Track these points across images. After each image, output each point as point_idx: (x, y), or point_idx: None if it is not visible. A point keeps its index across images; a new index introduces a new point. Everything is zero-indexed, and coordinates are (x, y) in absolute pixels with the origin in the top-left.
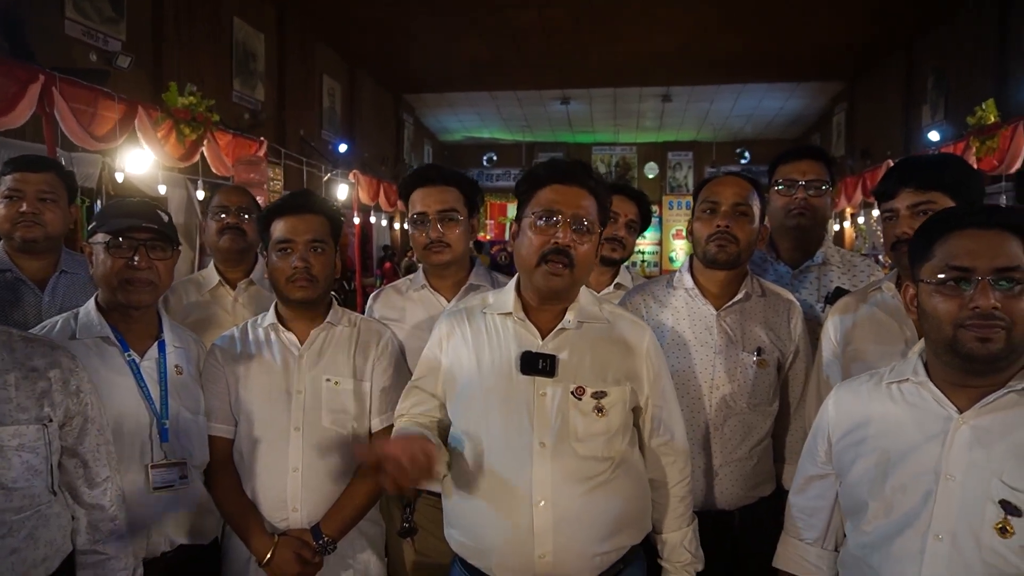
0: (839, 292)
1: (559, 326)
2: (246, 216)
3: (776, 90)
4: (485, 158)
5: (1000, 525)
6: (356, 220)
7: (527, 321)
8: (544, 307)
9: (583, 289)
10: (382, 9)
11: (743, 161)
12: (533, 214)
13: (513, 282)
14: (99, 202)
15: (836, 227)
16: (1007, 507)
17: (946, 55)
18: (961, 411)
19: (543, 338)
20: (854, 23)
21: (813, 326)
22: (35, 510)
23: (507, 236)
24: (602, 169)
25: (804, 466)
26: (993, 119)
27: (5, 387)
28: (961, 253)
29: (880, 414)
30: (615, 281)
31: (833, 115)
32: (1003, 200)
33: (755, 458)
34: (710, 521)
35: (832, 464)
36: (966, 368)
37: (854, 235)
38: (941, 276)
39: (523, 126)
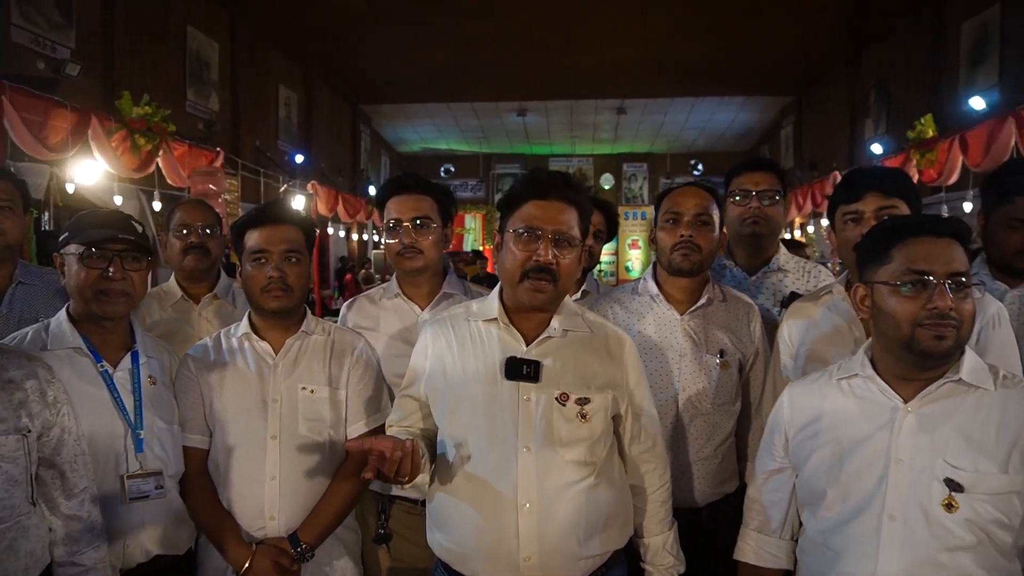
0: (793, 296)
1: (544, 334)
2: (208, 232)
3: (728, 103)
4: (443, 169)
5: (946, 502)
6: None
7: (512, 327)
8: (528, 315)
9: (567, 300)
10: (335, 17)
11: (696, 172)
12: (515, 230)
13: (496, 289)
14: (47, 213)
15: (787, 235)
16: (951, 484)
17: (886, 70)
18: (906, 401)
19: (527, 344)
20: (802, 38)
21: (771, 328)
22: (15, 521)
23: (465, 247)
24: None
25: (762, 461)
26: (931, 133)
27: None
28: (920, 258)
29: (832, 408)
30: (582, 288)
31: (781, 128)
32: (944, 210)
33: (720, 456)
34: (680, 517)
35: (789, 458)
36: (919, 364)
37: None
38: (902, 279)
39: (480, 138)
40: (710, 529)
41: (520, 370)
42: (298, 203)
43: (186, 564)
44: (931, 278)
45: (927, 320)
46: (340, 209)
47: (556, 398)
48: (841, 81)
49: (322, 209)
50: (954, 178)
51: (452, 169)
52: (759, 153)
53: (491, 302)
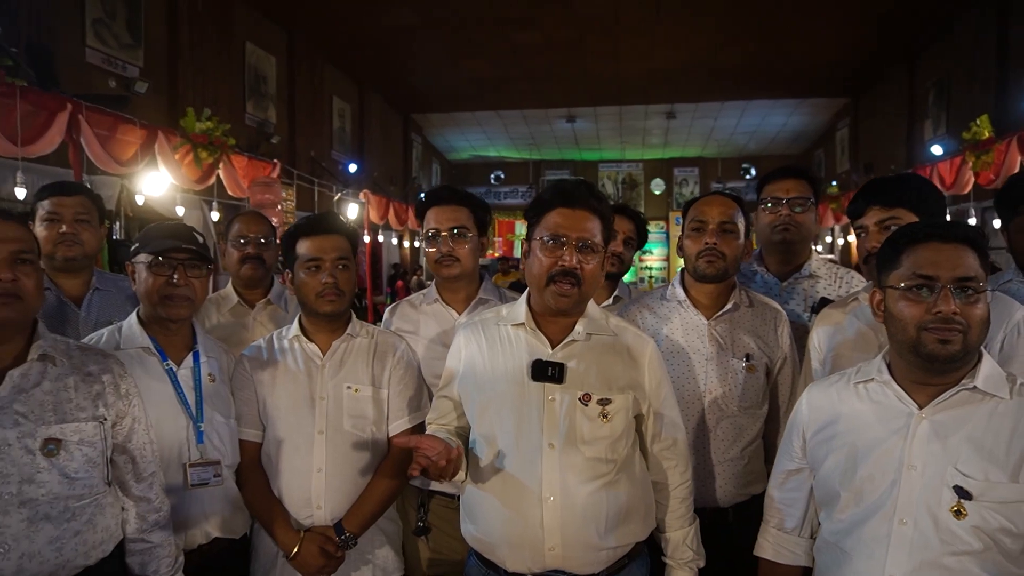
0: (824, 302)
1: (569, 337)
2: (264, 242)
3: (780, 106)
4: (493, 176)
5: (955, 508)
6: (366, 239)
7: (538, 331)
8: (554, 318)
9: (592, 304)
10: (386, 30)
11: (748, 177)
12: (541, 238)
13: (524, 295)
14: (118, 223)
15: (841, 240)
16: (960, 492)
17: (947, 69)
18: (920, 407)
19: (553, 347)
20: (856, 39)
21: (801, 334)
22: (93, 499)
23: (515, 252)
24: (609, 186)
25: (781, 461)
26: (987, 134)
27: (66, 389)
28: (926, 263)
29: (848, 411)
30: (614, 294)
31: (836, 131)
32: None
33: (746, 458)
34: (706, 517)
35: (807, 459)
36: (926, 367)
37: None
38: (907, 283)
39: (530, 144)
40: (736, 529)
41: (545, 372)
42: (352, 212)
43: (242, 547)
44: (937, 283)
45: (932, 324)
46: (391, 217)
47: (579, 398)
48: (898, 82)
49: (374, 217)
50: None
51: (502, 176)
52: (813, 157)
53: (519, 307)
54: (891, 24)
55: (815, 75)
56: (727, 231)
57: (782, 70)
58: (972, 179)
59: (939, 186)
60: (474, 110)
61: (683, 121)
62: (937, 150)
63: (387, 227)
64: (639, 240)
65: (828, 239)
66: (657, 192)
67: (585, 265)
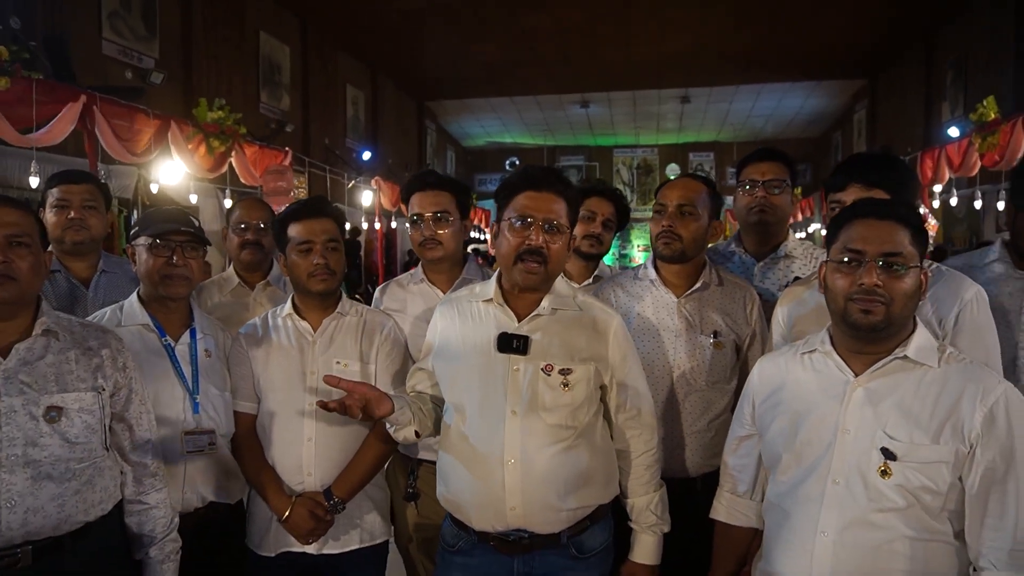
0: (796, 280)
1: (535, 312)
2: (263, 228)
3: (796, 89)
4: (508, 162)
5: (882, 468)
6: (377, 225)
7: (506, 307)
8: (522, 295)
9: (561, 281)
10: (396, 17)
11: None
12: (509, 219)
13: (496, 274)
14: (135, 211)
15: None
16: (886, 453)
17: (964, 50)
18: (857, 375)
19: (519, 321)
20: (872, 19)
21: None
22: (92, 462)
23: None
24: (624, 171)
25: (734, 428)
26: (993, 115)
27: (68, 362)
28: (857, 238)
29: (793, 380)
30: (594, 274)
31: (854, 113)
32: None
33: (713, 430)
34: (675, 486)
35: (756, 425)
36: (853, 335)
37: None
38: (839, 256)
39: (544, 130)
40: (703, 499)
41: (510, 344)
42: (366, 199)
43: (237, 512)
44: (864, 256)
45: (856, 295)
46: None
47: (542, 368)
48: (916, 63)
49: (385, 203)
50: (1016, 162)
51: (517, 162)
52: (831, 139)
53: (490, 285)
54: (907, 3)
55: (831, 57)
56: (686, 214)
57: (797, 52)
58: (979, 161)
59: (947, 168)
60: (487, 96)
61: (698, 105)
62: (954, 132)
63: (400, 214)
64: (620, 222)
65: None
66: (672, 177)
67: (551, 245)
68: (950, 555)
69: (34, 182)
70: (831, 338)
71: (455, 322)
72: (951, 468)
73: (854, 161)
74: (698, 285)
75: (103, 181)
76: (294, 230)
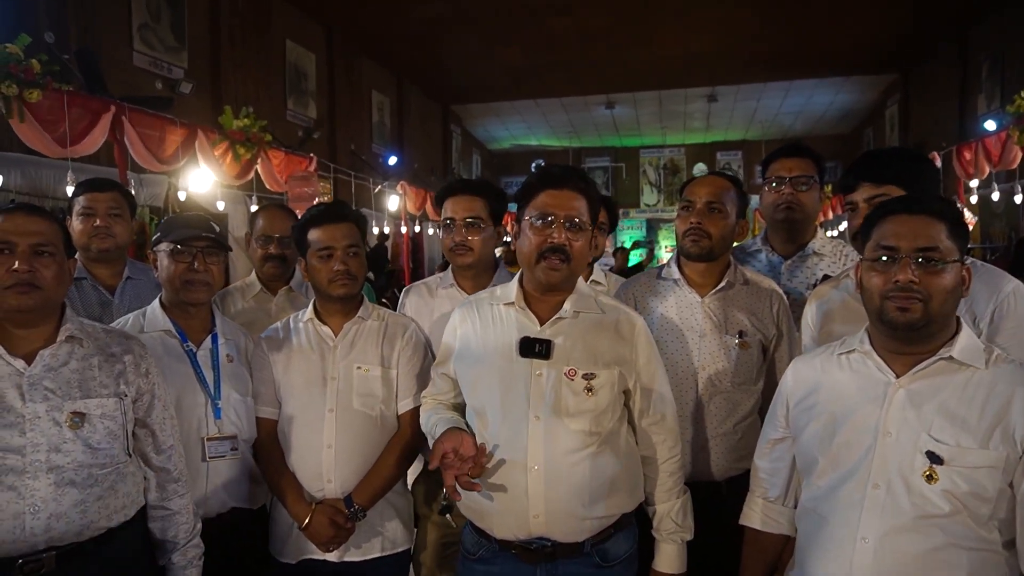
0: (825, 279)
1: (557, 315)
2: (285, 239)
3: (825, 85)
4: (533, 165)
5: (927, 473)
6: (403, 229)
7: (527, 310)
8: (544, 297)
9: (581, 283)
10: (420, 23)
11: None
12: (531, 217)
13: (517, 276)
14: (165, 219)
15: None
16: (932, 457)
17: (1002, 41)
18: (898, 376)
19: (541, 325)
20: (903, 12)
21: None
22: (115, 468)
23: None
24: (650, 172)
25: (767, 431)
26: None
27: (91, 368)
28: (890, 235)
29: (830, 381)
30: (591, 279)
31: (886, 108)
32: None
33: (740, 433)
34: (700, 490)
35: (790, 428)
36: (891, 335)
37: None
38: (873, 254)
39: (569, 132)
40: (730, 503)
41: (533, 348)
42: (392, 203)
43: (260, 517)
44: (899, 253)
45: (892, 292)
46: (429, 207)
47: (565, 373)
48: (949, 56)
49: (411, 208)
50: None
51: (543, 164)
52: (862, 135)
53: (511, 288)
54: None
55: (861, 52)
56: (714, 210)
57: (826, 48)
58: (1020, 154)
59: (986, 162)
60: (511, 99)
61: (725, 104)
62: (991, 125)
63: (425, 217)
64: (610, 225)
65: None
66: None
67: (574, 242)
68: (999, 565)
69: (70, 191)
70: (870, 338)
71: (476, 326)
72: (1001, 474)
73: (862, 160)
74: (723, 284)
75: (131, 190)
76: (314, 235)
